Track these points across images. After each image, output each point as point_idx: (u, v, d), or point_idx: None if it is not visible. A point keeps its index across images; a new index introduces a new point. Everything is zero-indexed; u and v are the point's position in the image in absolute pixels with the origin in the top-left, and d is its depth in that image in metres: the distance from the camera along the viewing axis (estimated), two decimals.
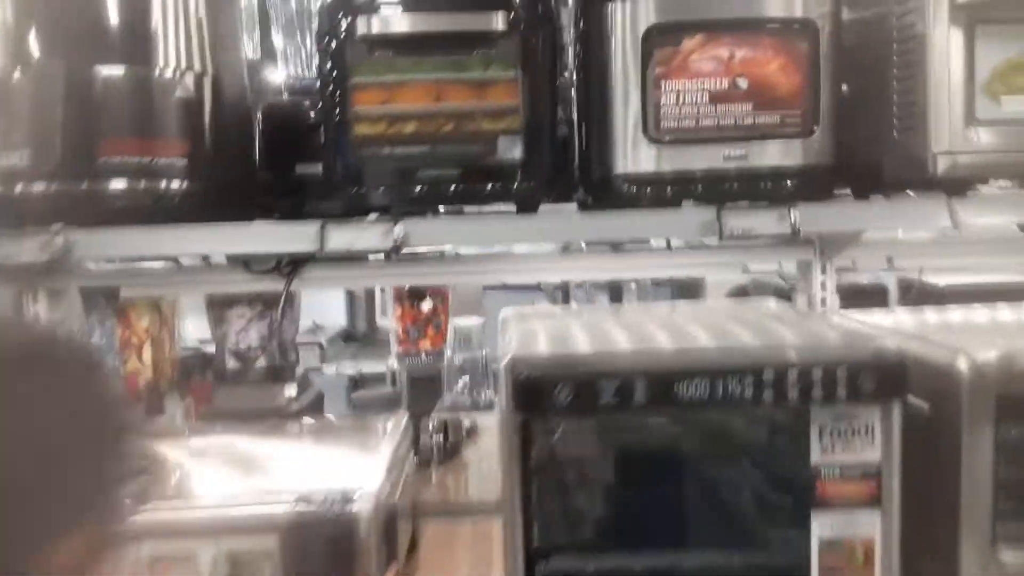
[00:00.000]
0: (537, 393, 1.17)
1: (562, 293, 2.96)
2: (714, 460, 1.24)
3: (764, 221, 1.34)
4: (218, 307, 2.05)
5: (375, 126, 1.42)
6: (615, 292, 2.76)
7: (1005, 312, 1.75)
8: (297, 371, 2.10)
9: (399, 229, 1.31)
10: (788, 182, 1.46)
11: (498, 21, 1.39)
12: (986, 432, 1.27)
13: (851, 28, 1.52)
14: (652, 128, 1.45)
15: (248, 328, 2.02)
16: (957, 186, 1.39)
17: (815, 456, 1.21)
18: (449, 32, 1.40)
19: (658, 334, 1.42)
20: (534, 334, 1.41)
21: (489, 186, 1.43)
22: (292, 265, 1.70)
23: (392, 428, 1.57)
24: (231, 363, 2.03)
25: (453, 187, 1.42)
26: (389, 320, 2.32)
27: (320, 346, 3.97)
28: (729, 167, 1.45)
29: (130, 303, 2.04)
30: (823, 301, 1.89)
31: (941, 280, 2.29)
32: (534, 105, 1.43)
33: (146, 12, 1.47)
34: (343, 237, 1.31)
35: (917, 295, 2.29)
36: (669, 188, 1.47)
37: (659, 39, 1.44)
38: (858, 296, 2.35)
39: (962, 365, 1.30)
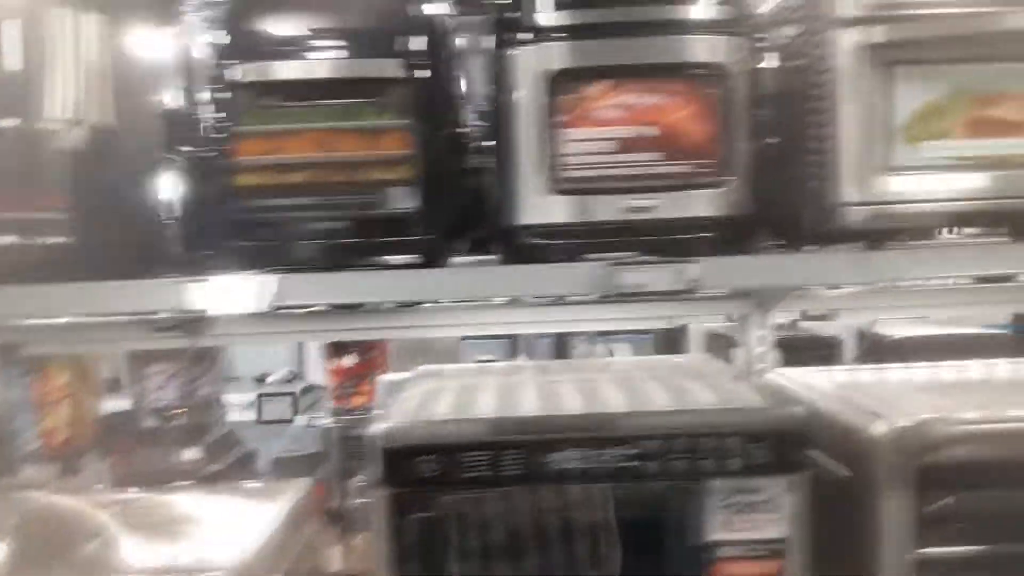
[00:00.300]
0: (403, 465, 1.08)
1: (511, 344, 2.87)
2: (601, 535, 1.13)
3: (659, 276, 1.26)
4: (138, 362, 1.98)
5: (262, 176, 1.35)
6: (561, 344, 2.66)
7: (952, 369, 1.65)
8: (222, 428, 2.02)
9: (273, 285, 1.23)
10: (700, 234, 1.38)
11: (390, 68, 1.32)
12: (906, 503, 1.17)
13: (773, 74, 1.45)
14: (556, 178, 1.37)
15: (167, 385, 1.94)
16: (877, 237, 1.30)
17: (712, 532, 1.11)
18: (339, 79, 1.34)
19: (564, 397, 1.34)
20: (427, 398, 1.32)
21: (382, 239, 1.36)
22: (197, 321, 1.63)
23: (289, 494, 1.47)
24: (148, 421, 1.95)
25: (344, 239, 1.35)
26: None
27: (293, 397, 3.87)
28: (637, 218, 1.37)
29: (48, 360, 1.97)
30: (760, 356, 1.80)
31: (898, 332, 2.20)
32: (431, 154, 1.36)
33: (35, 62, 1.42)
34: (214, 294, 1.23)
35: (871, 348, 2.19)
36: (574, 240, 1.39)
37: (564, 86, 1.36)
38: (813, 348, 2.26)
39: (879, 430, 1.20)
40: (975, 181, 1.27)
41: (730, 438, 1.06)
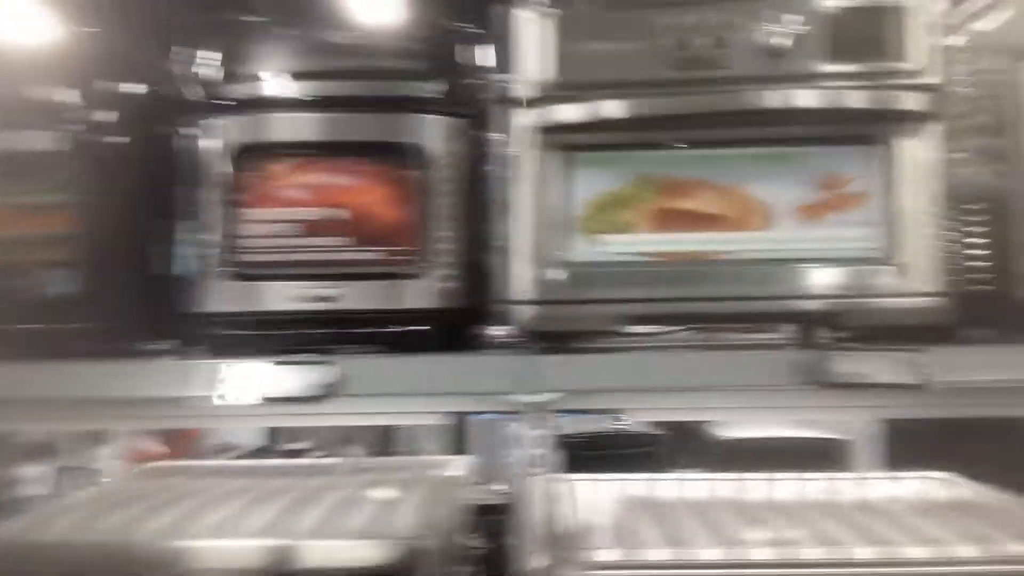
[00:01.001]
0: None
1: None
2: None
3: (307, 376, 1.13)
4: None
5: None
6: None
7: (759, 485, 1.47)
8: None
9: None
10: (392, 328, 1.26)
11: (44, 141, 1.24)
12: None
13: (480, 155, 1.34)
14: (234, 262, 1.27)
15: None
16: (556, 339, 1.17)
17: None
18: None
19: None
20: None
21: (47, 325, 1.25)
22: None
23: None
24: None
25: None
26: None
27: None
28: (321, 308, 1.26)
29: None
30: (535, 459, 1.64)
31: (732, 432, 2.04)
32: (100, 233, 1.26)
33: None
34: None
35: (700, 448, 2.03)
36: (256, 331, 1.27)
37: (246, 163, 1.27)
38: (627, 447, 2.11)
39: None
40: (660, 279, 1.14)
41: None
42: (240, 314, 1.27)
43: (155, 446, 2.02)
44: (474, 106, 1.32)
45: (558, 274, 1.15)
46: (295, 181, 1.27)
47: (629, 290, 1.14)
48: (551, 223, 1.15)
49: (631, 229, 1.15)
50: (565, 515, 1.23)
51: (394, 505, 1.26)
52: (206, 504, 1.28)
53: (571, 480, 1.44)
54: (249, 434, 2.51)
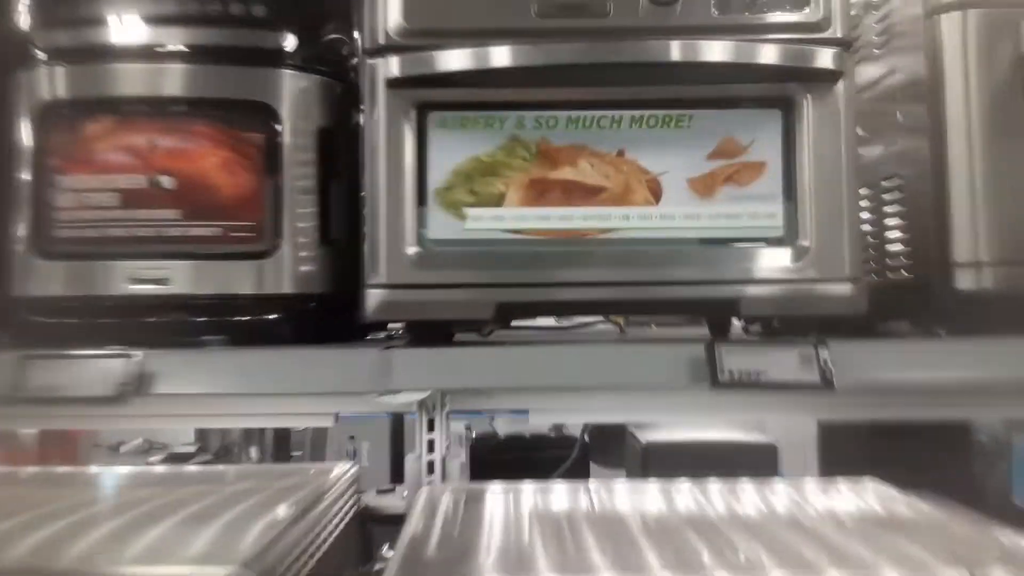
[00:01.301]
0: None
1: None
2: None
3: (104, 372, 0.95)
4: None
5: None
6: None
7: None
8: None
9: None
10: (229, 317, 1.09)
11: None
12: None
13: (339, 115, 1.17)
14: (45, 238, 1.08)
15: None
16: (427, 330, 1.01)
17: None
18: None
19: None
20: None
21: None
22: None
23: None
24: None
25: None
26: None
27: None
28: (147, 293, 1.08)
29: None
30: (431, 465, 1.48)
31: (651, 436, 1.90)
32: None
33: None
34: None
35: (620, 452, 1.90)
36: (79, 319, 1.09)
37: (57, 121, 1.09)
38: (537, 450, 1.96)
39: None
40: (532, 260, 0.98)
41: None
42: (59, 299, 1.09)
43: (23, 446, 1.81)
44: (334, 62, 1.16)
45: (412, 253, 0.98)
46: (115, 143, 1.09)
47: (496, 273, 0.98)
48: (406, 193, 0.99)
49: (500, 202, 0.99)
50: (449, 531, 1.07)
51: (251, 521, 1.08)
52: (29, 524, 1.09)
53: (467, 489, 1.27)
54: (135, 434, 2.32)
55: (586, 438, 1.93)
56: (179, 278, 1.08)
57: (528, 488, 1.23)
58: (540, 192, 0.99)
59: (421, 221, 0.99)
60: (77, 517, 1.09)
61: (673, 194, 1.00)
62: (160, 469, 1.54)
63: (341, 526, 1.13)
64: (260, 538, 1.00)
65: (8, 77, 1.11)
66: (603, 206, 0.99)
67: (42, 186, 1.08)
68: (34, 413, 1.14)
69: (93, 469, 1.35)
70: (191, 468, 1.54)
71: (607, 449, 2.09)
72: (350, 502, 1.23)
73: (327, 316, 1.14)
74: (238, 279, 1.09)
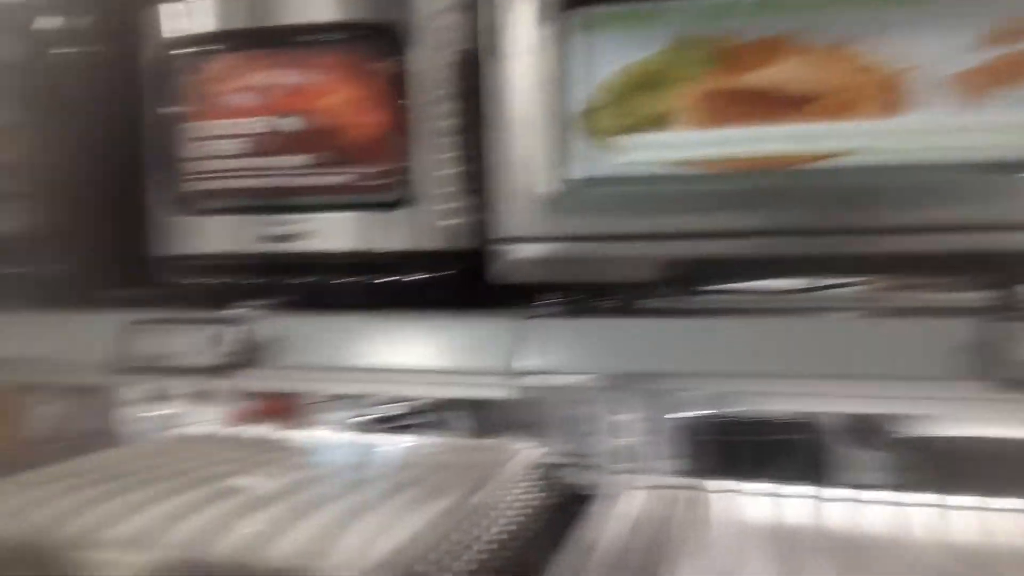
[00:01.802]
0: None
1: None
2: None
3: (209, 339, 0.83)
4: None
5: None
6: None
7: None
8: None
9: None
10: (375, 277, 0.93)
11: None
12: None
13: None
14: (174, 193, 0.99)
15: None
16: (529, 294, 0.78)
17: None
18: None
19: None
20: None
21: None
22: None
23: None
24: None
25: None
26: None
27: None
28: (283, 250, 0.95)
29: None
30: (624, 452, 1.26)
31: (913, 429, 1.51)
32: (51, 160, 1.04)
33: None
34: None
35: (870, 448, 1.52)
36: (220, 278, 1.00)
37: (183, 64, 0.98)
38: None
39: None
40: (717, 200, 0.72)
41: None
42: (191, 258, 1.01)
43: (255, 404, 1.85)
44: None
45: (550, 197, 0.76)
46: (239, 84, 0.97)
47: (660, 220, 0.73)
48: (541, 119, 0.76)
49: (665, 124, 0.73)
50: (641, 538, 0.86)
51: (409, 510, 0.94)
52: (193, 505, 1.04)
53: (666, 487, 1.04)
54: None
55: (830, 423, 1.59)
56: (311, 232, 0.95)
57: (747, 489, 0.96)
58: (721, 107, 0.72)
59: (561, 155, 0.76)
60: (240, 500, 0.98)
61: (926, 99, 0.68)
62: (337, 438, 1.44)
63: (521, 515, 0.96)
64: (407, 534, 0.85)
65: (131, 17, 1.04)
66: (815, 121, 0.70)
67: (168, 137, 1.00)
68: (145, 381, 1.09)
69: (283, 436, 1.29)
70: (369, 439, 1.43)
71: (859, 435, 1.73)
72: (533, 489, 1.06)
73: (473, 277, 0.96)
74: (372, 233, 0.94)
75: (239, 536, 0.77)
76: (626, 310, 0.85)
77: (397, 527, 0.84)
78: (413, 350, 0.93)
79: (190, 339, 0.84)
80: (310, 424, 1.51)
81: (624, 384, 0.94)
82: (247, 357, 0.83)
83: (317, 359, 0.86)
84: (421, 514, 0.88)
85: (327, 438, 1.28)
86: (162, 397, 1.33)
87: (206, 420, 1.50)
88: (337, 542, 0.78)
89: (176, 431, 1.32)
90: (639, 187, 0.73)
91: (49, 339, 0.96)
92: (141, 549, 0.74)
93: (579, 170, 0.75)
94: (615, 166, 0.74)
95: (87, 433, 1.34)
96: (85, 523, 0.78)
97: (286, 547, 0.77)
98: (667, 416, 1.02)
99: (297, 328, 0.89)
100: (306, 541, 0.77)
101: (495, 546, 0.89)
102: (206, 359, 0.83)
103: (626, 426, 1.08)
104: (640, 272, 0.74)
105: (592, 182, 0.75)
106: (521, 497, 0.99)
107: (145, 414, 1.34)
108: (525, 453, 1.12)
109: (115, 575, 0.72)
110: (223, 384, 0.84)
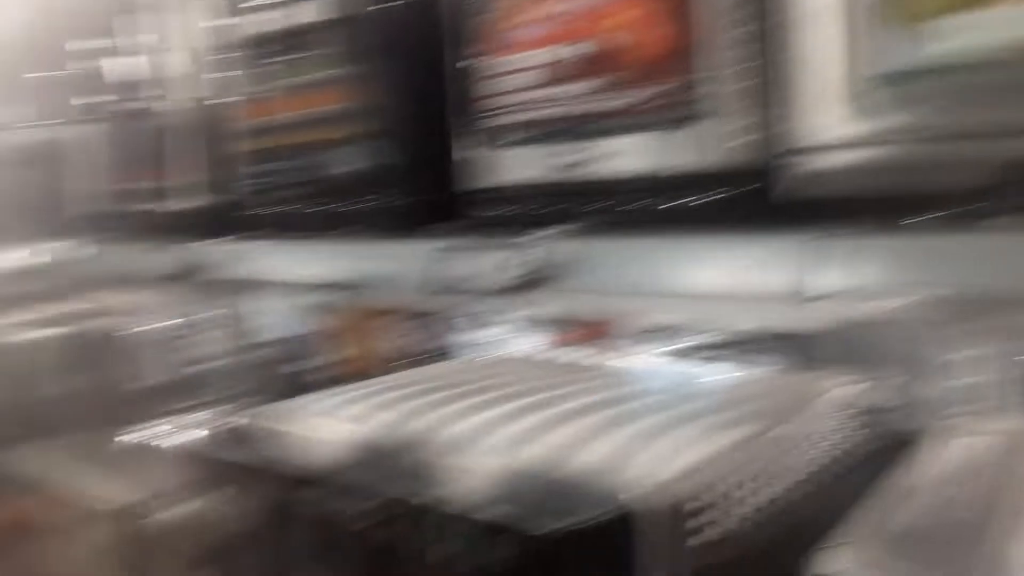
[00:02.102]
0: None
1: None
2: None
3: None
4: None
5: (252, 143, 1.31)
6: None
7: None
8: None
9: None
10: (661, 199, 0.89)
11: (312, 13, 1.13)
12: None
13: None
14: (481, 129, 1.03)
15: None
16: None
17: None
18: (283, 31, 1.20)
19: None
20: None
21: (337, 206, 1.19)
22: None
23: None
24: None
25: (301, 209, 1.23)
26: None
27: None
28: (573, 177, 0.95)
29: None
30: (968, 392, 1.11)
31: None
32: (373, 107, 1.14)
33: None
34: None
35: None
36: (515, 209, 1.03)
37: (477, 2, 1.00)
38: None
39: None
40: None
41: None
42: (491, 190, 1.05)
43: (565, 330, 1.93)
44: None
45: (847, 95, 0.66)
46: (528, 17, 0.97)
47: (1000, 114, 0.60)
48: (845, 8, 0.66)
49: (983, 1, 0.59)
50: (965, 490, 0.76)
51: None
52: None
53: (1003, 434, 0.90)
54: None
55: None
56: (602, 157, 0.94)
57: None
58: None
59: (867, 48, 0.66)
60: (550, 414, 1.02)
61: None
62: (643, 364, 1.43)
63: (828, 455, 0.90)
64: (702, 458, 0.83)
65: None
66: None
67: (467, 78, 1.04)
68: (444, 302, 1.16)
69: (594, 361, 1.33)
70: (674, 366, 1.41)
71: None
72: (845, 428, 0.98)
73: (766, 194, 0.88)
74: (662, 154, 0.90)
75: (546, 445, 0.81)
76: (961, 223, 0.73)
77: (693, 451, 0.83)
78: (709, 274, 0.89)
79: (492, 262, 0.89)
80: (620, 351, 1.53)
81: (959, 312, 0.81)
82: (544, 280, 0.86)
83: (613, 282, 0.87)
84: (718, 441, 0.85)
85: (635, 364, 1.29)
86: (486, 322, 1.43)
87: (524, 344, 1.60)
88: (634, 459, 0.79)
89: (498, 353, 1.42)
90: (965, 76, 0.61)
91: (379, 264, 1.08)
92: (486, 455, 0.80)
93: (888, 63, 0.65)
94: (930, 55, 0.63)
95: (426, 353, 1.50)
96: (419, 425, 0.86)
97: (588, 459, 0.79)
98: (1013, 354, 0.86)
99: (590, 252, 0.90)
100: (606, 455, 0.79)
101: (793, 484, 0.83)
102: (506, 282, 0.87)
103: (962, 363, 0.95)
104: (968, 177, 0.62)
105: (904, 76, 0.64)
106: (830, 436, 0.92)
107: (473, 337, 1.46)
108: (839, 389, 1.03)
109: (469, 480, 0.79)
110: (523, 306, 0.88)
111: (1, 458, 1.51)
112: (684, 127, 0.87)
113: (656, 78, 0.89)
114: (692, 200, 0.89)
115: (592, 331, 1.58)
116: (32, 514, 1.41)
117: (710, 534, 0.75)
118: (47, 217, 1.89)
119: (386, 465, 0.85)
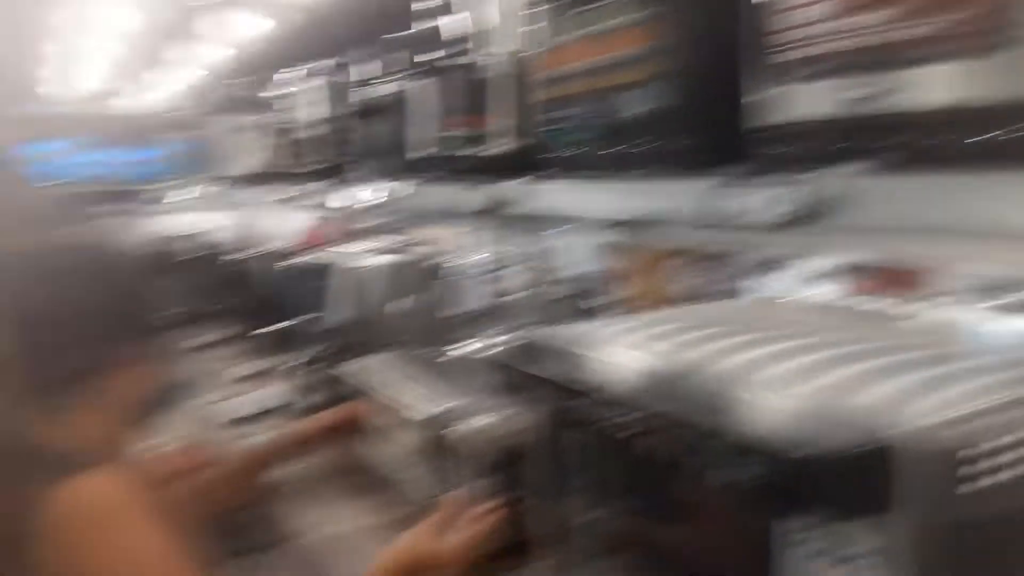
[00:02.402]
0: None
1: None
2: None
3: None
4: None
5: (551, 90, 1.40)
6: None
7: None
8: None
9: None
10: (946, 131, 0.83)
11: None
12: None
13: None
14: (771, 65, 1.01)
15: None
16: None
17: None
18: None
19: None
20: None
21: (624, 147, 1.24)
22: None
23: None
24: None
25: (594, 150, 1.30)
26: None
27: None
28: (867, 111, 0.91)
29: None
30: None
31: None
32: (672, 48, 1.16)
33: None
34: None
35: None
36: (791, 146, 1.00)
37: None
38: None
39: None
40: None
41: None
42: (781, 127, 1.04)
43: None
44: None
45: None
46: None
47: None
48: None
49: None
50: None
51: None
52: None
53: None
54: None
55: None
56: (899, 89, 0.89)
57: None
58: None
59: None
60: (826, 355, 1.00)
61: None
62: (940, 314, 1.32)
63: None
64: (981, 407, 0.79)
65: None
66: None
67: (757, 14, 1.03)
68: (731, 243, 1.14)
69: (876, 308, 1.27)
70: (972, 316, 1.28)
71: None
72: None
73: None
74: (967, 84, 0.84)
75: (822, 383, 0.81)
76: None
77: (973, 402, 0.79)
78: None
79: (765, 198, 0.90)
80: (918, 301, 1.43)
81: None
82: (819, 216, 0.85)
83: (911, 223, 0.83)
84: (1002, 396, 0.80)
85: (932, 313, 1.21)
86: (776, 266, 1.42)
87: (817, 290, 1.55)
88: (912, 403, 0.77)
89: (786, 297, 1.41)
90: None
91: (665, 203, 1.12)
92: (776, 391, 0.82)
93: None
94: None
95: (711, 295, 1.52)
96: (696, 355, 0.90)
97: (865, 399, 0.79)
98: None
99: (886, 189, 0.87)
100: (883, 397, 0.78)
101: None
102: (780, 217, 0.88)
103: None
104: None
105: None
106: None
107: (762, 281, 1.45)
108: None
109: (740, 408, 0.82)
110: (818, 249, 0.88)
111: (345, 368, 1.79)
112: (992, 55, 0.80)
113: (961, 2, 0.82)
114: (1001, 134, 0.82)
115: (892, 278, 1.49)
116: (362, 415, 1.66)
117: (980, 485, 0.71)
118: (389, 161, 2.18)
119: (662, 388, 0.90)
